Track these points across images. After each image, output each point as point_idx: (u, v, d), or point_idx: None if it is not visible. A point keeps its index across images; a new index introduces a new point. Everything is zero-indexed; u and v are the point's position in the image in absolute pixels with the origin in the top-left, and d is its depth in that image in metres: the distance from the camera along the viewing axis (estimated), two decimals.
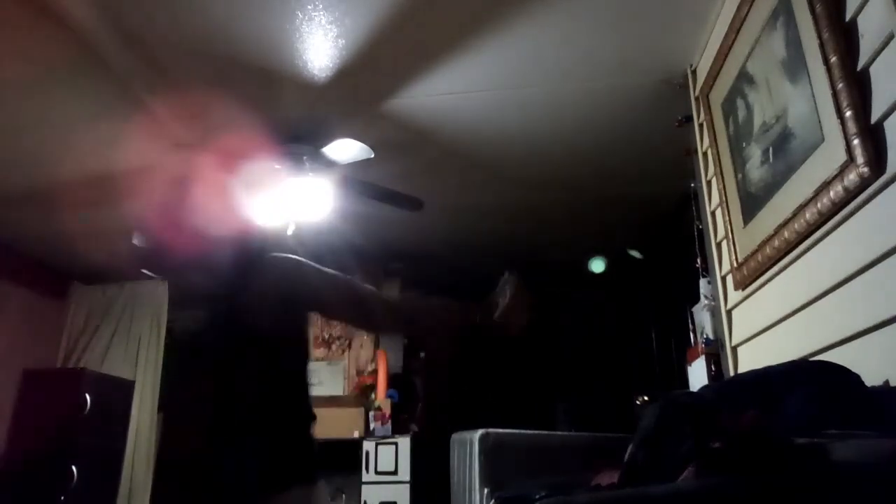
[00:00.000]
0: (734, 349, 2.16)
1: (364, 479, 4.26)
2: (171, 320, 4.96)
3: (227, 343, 1.46)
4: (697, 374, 2.41)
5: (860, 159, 1.35)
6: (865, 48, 1.38)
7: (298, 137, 3.04)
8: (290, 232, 3.21)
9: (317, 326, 4.86)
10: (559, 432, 3.66)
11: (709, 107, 2.30)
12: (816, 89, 1.53)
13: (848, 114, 1.39)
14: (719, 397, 1.35)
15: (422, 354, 4.83)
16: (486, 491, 2.49)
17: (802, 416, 1.14)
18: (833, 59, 1.44)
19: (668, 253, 3.86)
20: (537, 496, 1.76)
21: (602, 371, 4.84)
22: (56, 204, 3.67)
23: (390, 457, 4.29)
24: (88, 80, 2.66)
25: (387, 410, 4.45)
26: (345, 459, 4.21)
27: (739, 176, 2.04)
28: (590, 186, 3.79)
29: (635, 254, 4.32)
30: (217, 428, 1.40)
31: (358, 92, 2.80)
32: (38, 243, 4.38)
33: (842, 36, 1.44)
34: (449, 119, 3.03)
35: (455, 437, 3.09)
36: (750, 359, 2.04)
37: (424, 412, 4.54)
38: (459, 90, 2.77)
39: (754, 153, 1.92)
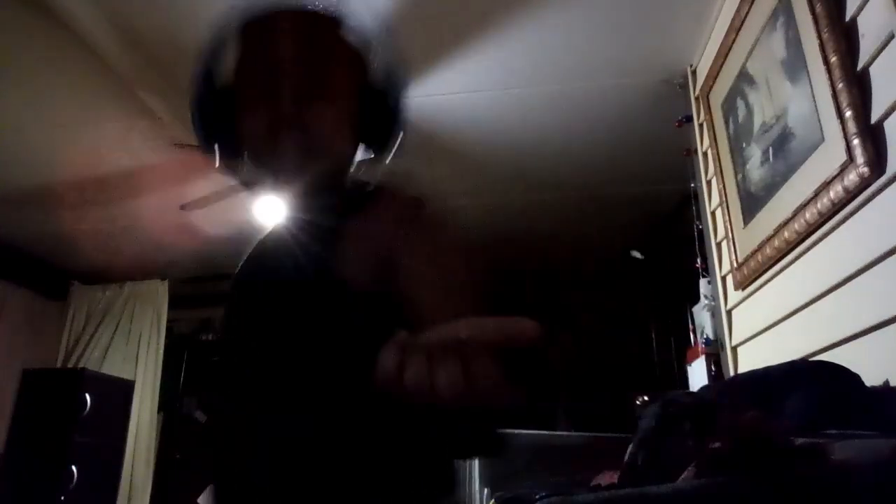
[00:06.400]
0: (734, 349, 2.16)
1: None
2: (172, 320, 4.96)
3: None
4: (697, 374, 2.41)
5: (860, 159, 1.35)
6: (865, 48, 1.38)
7: None
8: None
9: None
10: (559, 432, 3.65)
11: (709, 107, 2.30)
12: (816, 89, 1.53)
13: (848, 114, 1.39)
14: (719, 397, 1.36)
15: None
16: (486, 491, 2.48)
17: (802, 416, 1.14)
18: (833, 59, 1.44)
19: (668, 253, 3.85)
20: (537, 496, 1.76)
21: (602, 371, 4.83)
22: (56, 204, 3.67)
23: None
24: (88, 80, 2.66)
25: None
26: None
27: (739, 176, 2.04)
28: (590, 186, 3.79)
29: (636, 255, 4.32)
30: None
31: None
32: (38, 243, 4.38)
33: (842, 36, 1.44)
34: (448, 120, 3.02)
35: None
36: (750, 359, 2.03)
37: None
38: (459, 91, 2.77)
39: (754, 153, 1.92)
